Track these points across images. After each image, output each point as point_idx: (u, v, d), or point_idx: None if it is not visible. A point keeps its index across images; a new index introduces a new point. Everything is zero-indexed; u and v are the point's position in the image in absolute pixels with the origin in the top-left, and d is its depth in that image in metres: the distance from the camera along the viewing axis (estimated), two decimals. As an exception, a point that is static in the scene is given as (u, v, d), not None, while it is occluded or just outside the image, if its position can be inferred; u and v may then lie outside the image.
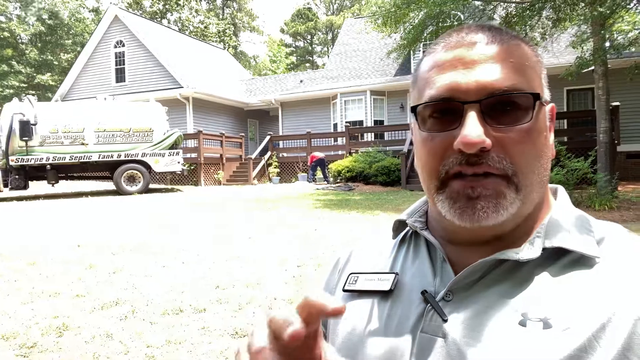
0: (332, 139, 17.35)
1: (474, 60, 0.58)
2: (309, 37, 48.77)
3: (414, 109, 0.62)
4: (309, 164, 15.56)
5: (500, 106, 0.56)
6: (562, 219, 0.61)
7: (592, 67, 9.48)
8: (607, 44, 9.56)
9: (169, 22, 37.86)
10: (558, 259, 0.57)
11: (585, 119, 11.73)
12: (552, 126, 0.64)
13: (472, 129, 0.55)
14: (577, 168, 8.14)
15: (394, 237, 0.73)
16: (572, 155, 8.51)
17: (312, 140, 16.84)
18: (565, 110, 14.98)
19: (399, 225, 0.73)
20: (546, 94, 0.62)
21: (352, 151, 15.69)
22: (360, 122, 17.37)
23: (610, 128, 9.45)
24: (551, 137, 0.63)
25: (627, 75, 10.06)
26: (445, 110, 0.58)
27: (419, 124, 0.61)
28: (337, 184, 13.86)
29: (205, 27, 40.15)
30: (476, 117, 0.55)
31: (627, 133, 13.64)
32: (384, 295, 0.65)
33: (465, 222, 0.57)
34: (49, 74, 34.36)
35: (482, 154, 0.55)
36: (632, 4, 9.38)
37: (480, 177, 0.56)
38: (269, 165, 17.31)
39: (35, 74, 33.78)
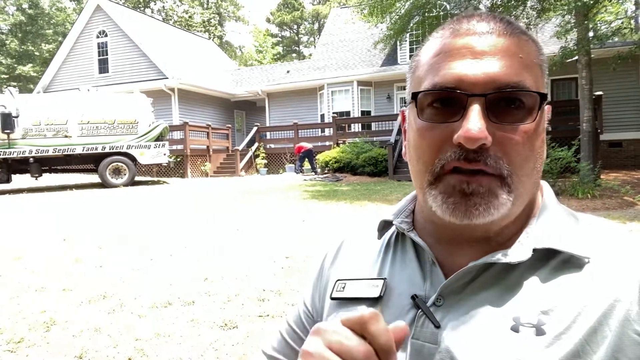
0: (320, 129, 17.30)
1: (483, 51, 0.54)
2: (295, 27, 48.39)
3: (415, 96, 0.57)
4: (296, 154, 15.54)
5: (505, 103, 0.54)
6: (550, 218, 0.60)
7: (576, 57, 9.59)
8: (591, 34, 9.66)
9: (152, 12, 37.28)
10: (548, 260, 0.56)
11: (569, 109, 11.86)
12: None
13: (475, 123, 0.52)
14: (560, 157, 8.25)
15: (379, 237, 0.70)
16: (556, 144, 8.63)
17: (300, 131, 16.79)
18: (549, 100, 15.13)
19: (385, 225, 0.70)
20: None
21: (339, 142, 15.70)
22: (348, 113, 17.36)
23: (593, 117, 9.59)
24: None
25: (610, 65, 10.18)
26: (448, 101, 0.55)
27: (418, 112, 0.57)
28: (324, 175, 13.87)
29: (189, 16, 39.61)
30: (480, 112, 0.52)
31: (609, 122, 13.85)
32: (373, 302, 0.62)
33: (457, 217, 0.55)
34: (30, 64, 33.66)
35: (480, 151, 0.53)
36: (615, -6, 9.50)
37: (476, 173, 0.54)
38: (256, 156, 17.24)
39: (16, 65, 33.08)
